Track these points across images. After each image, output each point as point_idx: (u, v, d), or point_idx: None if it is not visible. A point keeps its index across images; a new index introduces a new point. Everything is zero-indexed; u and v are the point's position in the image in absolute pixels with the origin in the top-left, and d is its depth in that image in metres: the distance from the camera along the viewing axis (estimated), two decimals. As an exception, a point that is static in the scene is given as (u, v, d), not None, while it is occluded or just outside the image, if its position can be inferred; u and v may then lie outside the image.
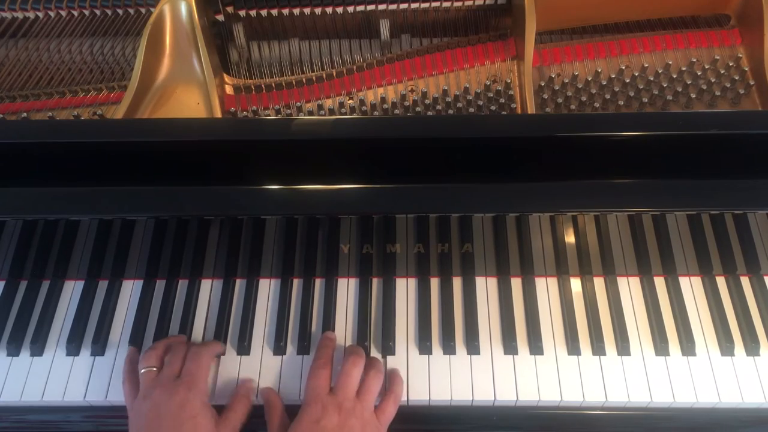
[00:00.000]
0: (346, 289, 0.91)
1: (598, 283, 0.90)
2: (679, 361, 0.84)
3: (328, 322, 0.87)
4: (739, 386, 0.82)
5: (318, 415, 0.73)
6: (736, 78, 0.93)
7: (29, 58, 0.98)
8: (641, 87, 0.93)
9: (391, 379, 0.83)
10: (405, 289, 0.90)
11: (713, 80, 0.94)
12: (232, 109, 0.94)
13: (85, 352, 0.87)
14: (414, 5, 0.98)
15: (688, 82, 0.93)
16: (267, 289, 0.91)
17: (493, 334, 0.86)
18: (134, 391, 0.79)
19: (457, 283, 0.90)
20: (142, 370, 0.79)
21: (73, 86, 0.96)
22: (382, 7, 0.97)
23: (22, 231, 0.84)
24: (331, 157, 0.78)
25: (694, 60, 0.94)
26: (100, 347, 0.86)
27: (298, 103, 0.93)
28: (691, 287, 0.90)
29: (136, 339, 0.86)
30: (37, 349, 0.87)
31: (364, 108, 0.93)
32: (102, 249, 0.88)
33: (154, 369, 0.79)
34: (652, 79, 0.94)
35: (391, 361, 0.85)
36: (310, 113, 0.93)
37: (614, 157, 0.76)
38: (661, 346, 0.84)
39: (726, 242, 0.85)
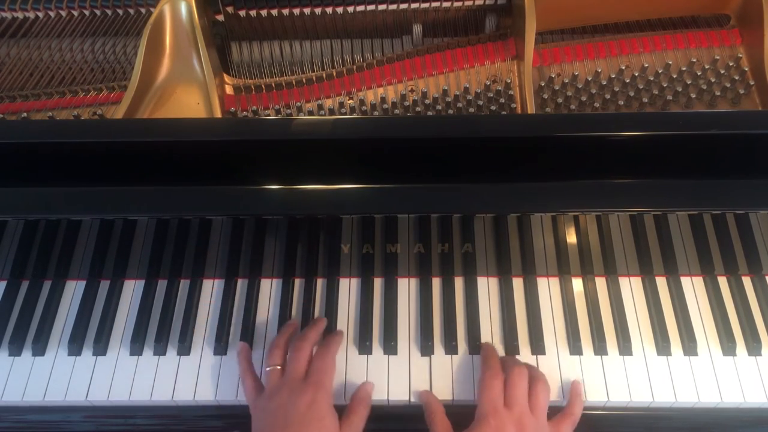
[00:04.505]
0: (348, 288, 0.91)
1: (600, 283, 0.90)
2: (681, 361, 0.84)
3: (330, 322, 0.87)
4: (741, 386, 0.82)
5: (497, 430, 0.72)
6: (736, 78, 0.93)
7: (29, 58, 0.98)
8: (641, 87, 0.93)
9: (571, 399, 0.80)
10: (407, 289, 0.90)
11: (713, 80, 0.93)
12: (232, 109, 0.94)
13: (87, 352, 0.87)
14: (414, 5, 0.98)
15: (688, 82, 0.93)
16: (269, 289, 0.91)
17: (494, 335, 0.86)
18: (256, 387, 0.79)
19: (458, 283, 0.90)
20: (268, 369, 0.79)
21: (73, 86, 0.96)
22: (382, 7, 0.97)
23: (23, 231, 0.84)
24: (331, 157, 0.78)
25: (694, 60, 0.94)
26: (101, 347, 0.86)
27: (298, 103, 0.93)
28: (693, 287, 0.90)
29: (137, 339, 0.86)
30: (39, 349, 0.87)
31: (364, 108, 0.93)
32: (103, 249, 0.88)
33: (279, 367, 0.79)
34: (652, 79, 0.94)
35: (393, 361, 0.85)
36: (310, 113, 0.93)
37: (614, 157, 0.76)
38: (663, 345, 0.84)
39: (727, 242, 0.85)
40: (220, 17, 0.98)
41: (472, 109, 0.92)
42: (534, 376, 0.78)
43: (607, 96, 0.92)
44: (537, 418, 0.75)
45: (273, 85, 0.95)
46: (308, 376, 0.77)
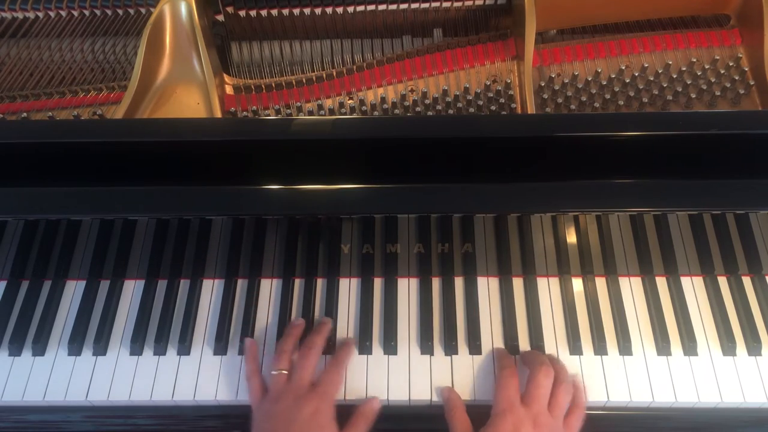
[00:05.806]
0: (348, 289, 0.91)
1: (600, 283, 0.90)
2: (681, 361, 0.84)
3: (331, 322, 0.87)
4: (741, 386, 0.82)
5: (514, 426, 0.72)
6: (736, 78, 0.94)
7: (29, 58, 0.98)
8: (641, 87, 0.93)
9: (575, 392, 0.80)
10: (407, 289, 0.90)
11: (713, 80, 0.94)
12: (232, 109, 0.94)
13: (87, 352, 0.87)
14: (414, 5, 0.98)
15: (688, 82, 0.93)
16: (269, 288, 0.91)
17: (494, 335, 0.86)
18: (262, 390, 0.79)
19: (458, 283, 0.90)
20: (274, 372, 0.79)
21: (73, 86, 0.96)
22: (382, 7, 0.97)
23: (23, 231, 0.84)
24: (331, 157, 0.78)
25: (694, 60, 0.94)
26: (102, 347, 0.86)
27: (298, 103, 0.93)
28: (693, 287, 0.90)
29: (137, 339, 0.86)
30: (39, 348, 0.87)
31: (364, 108, 0.93)
32: (103, 249, 0.88)
33: (285, 372, 0.79)
34: (652, 79, 0.94)
35: (393, 361, 0.85)
36: (310, 113, 0.93)
37: (614, 157, 0.76)
38: (662, 345, 0.84)
39: (727, 242, 0.85)
40: (221, 17, 0.98)
41: (472, 109, 0.92)
42: (559, 378, 0.78)
43: (607, 96, 0.92)
44: (554, 418, 0.75)
45: (273, 85, 0.95)
46: (316, 385, 0.78)
